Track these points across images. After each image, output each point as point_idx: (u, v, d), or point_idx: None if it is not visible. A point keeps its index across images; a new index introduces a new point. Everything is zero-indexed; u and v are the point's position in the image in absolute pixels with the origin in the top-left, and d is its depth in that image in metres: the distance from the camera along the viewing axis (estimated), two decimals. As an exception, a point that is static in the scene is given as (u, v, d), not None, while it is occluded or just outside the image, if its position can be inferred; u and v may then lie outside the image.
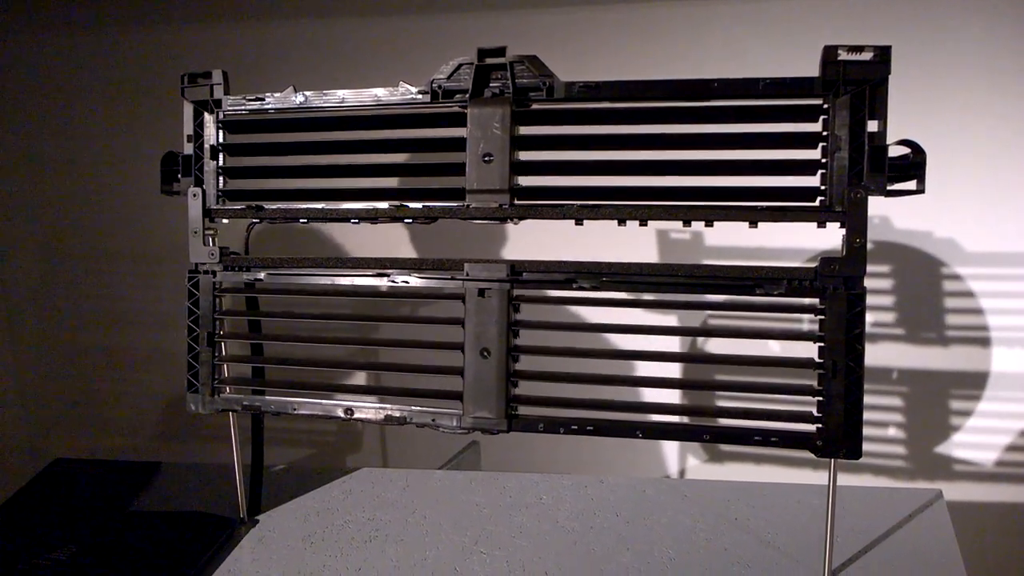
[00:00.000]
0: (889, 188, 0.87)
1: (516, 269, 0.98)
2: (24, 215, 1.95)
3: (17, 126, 1.90)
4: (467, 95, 0.97)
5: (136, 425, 2.02)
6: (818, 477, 1.43)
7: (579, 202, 0.95)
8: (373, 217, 1.03)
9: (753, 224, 0.92)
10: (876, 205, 0.89)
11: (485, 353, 0.98)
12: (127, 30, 1.82)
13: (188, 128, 1.08)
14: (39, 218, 1.95)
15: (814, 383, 0.90)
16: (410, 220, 1.02)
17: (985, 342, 1.59)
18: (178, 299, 1.11)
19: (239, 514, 1.17)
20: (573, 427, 0.97)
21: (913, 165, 0.87)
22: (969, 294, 1.58)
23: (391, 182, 1.05)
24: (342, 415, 1.05)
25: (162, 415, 2.00)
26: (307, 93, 1.04)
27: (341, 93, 1.03)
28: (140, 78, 1.83)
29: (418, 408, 1.03)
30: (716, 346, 1.59)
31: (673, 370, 1.51)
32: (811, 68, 0.89)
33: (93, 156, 1.89)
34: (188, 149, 1.08)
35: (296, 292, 1.08)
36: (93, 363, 1.99)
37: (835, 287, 0.89)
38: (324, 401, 1.06)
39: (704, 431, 0.94)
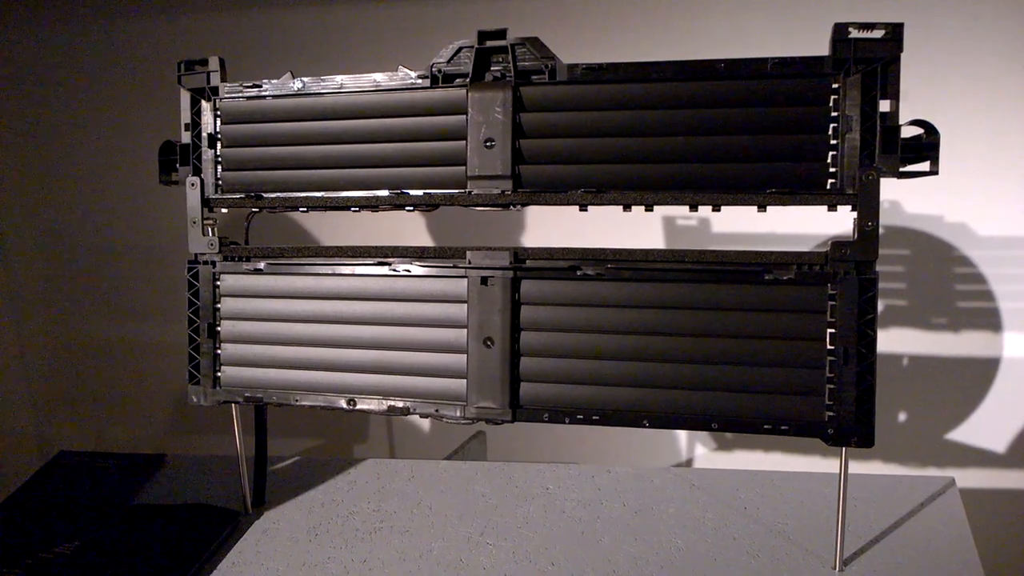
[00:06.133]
0: (902, 170, 0.85)
1: (519, 256, 0.96)
2: (27, 209, 1.94)
3: (17, 121, 1.89)
4: (468, 79, 0.95)
5: (141, 417, 2.02)
6: (828, 465, 1.42)
7: (583, 187, 0.93)
8: (374, 205, 1.01)
9: (762, 208, 0.90)
10: (886, 189, 0.87)
11: (488, 342, 0.97)
12: (125, 20, 1.80)
13: (185, 116, 1.07)
14: (42, 212, 1.94)
15: (825, 371, 0.88)
16: (411, 208, 1.00)
17: (996, 327, 1.57)
18: (180, 290, 1.10)
19: (243, 506, 1.16)
20: (579, 417, 0.96)
21: (926, 145, 0.85)
22: (981, 279, 1.56)
23: (391, 169, 1.03)
24: (344, 406, 1.04)
25: (167, 407, 2.00)
26: (305, 79, 1.02)
27: (340, 78, 1.01)
28: (140, 67, 1.81)
29: (422, 398, 1.01)
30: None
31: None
32: (819, 48, 0.86)
33: (94, 148, 1.88)
34: (185, 138, 1.07)
35: (293, 295, 1.06)
36: (98, 356, 1.99)
37: (846, 272, 0.87)
38: (327, 392, 1.05)
39: (712, 419, 0.92)
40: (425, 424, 1.92)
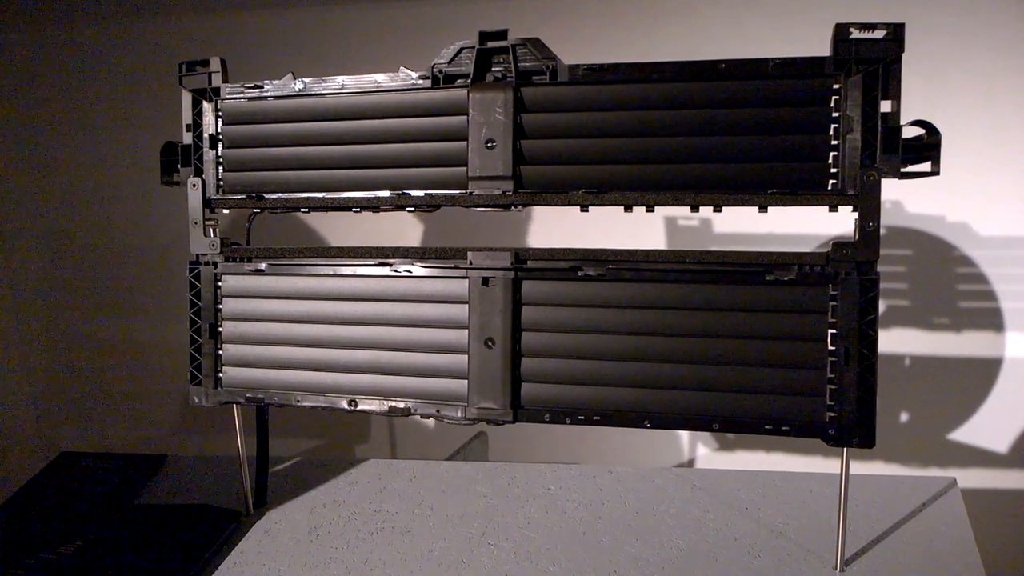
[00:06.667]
0: (903, 170, 0.85)
1: (520, 257, 0.96)
2: (28, 209, 1.94)
3: (19, 120, 1.89)
4: (469, 79, 0.95)
5: (143, 418, 2.02)
6: (829, 465, 1.42)
7: (584, 188, 0.93)
8: (375, 206, 1.01)
9: (763, 208, 0.90)
10: (887, 189, 0.87)
11: (489, 343, 0.97)
12: (126, 20, 1.80)
13: (187, 117, 1.07)
14: (44, 211, 1.94)
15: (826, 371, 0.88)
16: (412, 208, 1.00)
17: (999, 327, 1.57)
18: (182, 291, 1.10)
19: (245, 506, 1.16)
20: (580, 417, 0.96)
21: (928, 146, 0.85)
22: (982, 279, 1.56)
23: (392, 169, 1.03)
24: (346, 406, 1.04)
25: (169, 408, 2.00)
26: (306, 80, 1.02)
27: (341, 79, 1.01)
28: (141, 68, 1.81)
29: (423, 399, 1.01)
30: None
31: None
32: (819, 49, 0.86)
33: (96, 148, 1.88)
34: (187, 139, 1.07)
35: (295, 292, 1.06)
36: (100, 356, 1.99)
37: (848, 272, 0.87)
38: (328, 392, 1.05)
39: (713, 420, 0.92)
40: (427, 425, 1.92)
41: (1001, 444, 1.61)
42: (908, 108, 0.86)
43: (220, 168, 1.07)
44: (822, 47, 0.86)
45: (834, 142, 0.87)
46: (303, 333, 1.06)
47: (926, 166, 0.86)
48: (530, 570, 1.00)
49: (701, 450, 1.80)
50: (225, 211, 1.08)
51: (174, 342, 1.89)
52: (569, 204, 0.94)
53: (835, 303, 0.88)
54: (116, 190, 1.88)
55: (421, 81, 0.98)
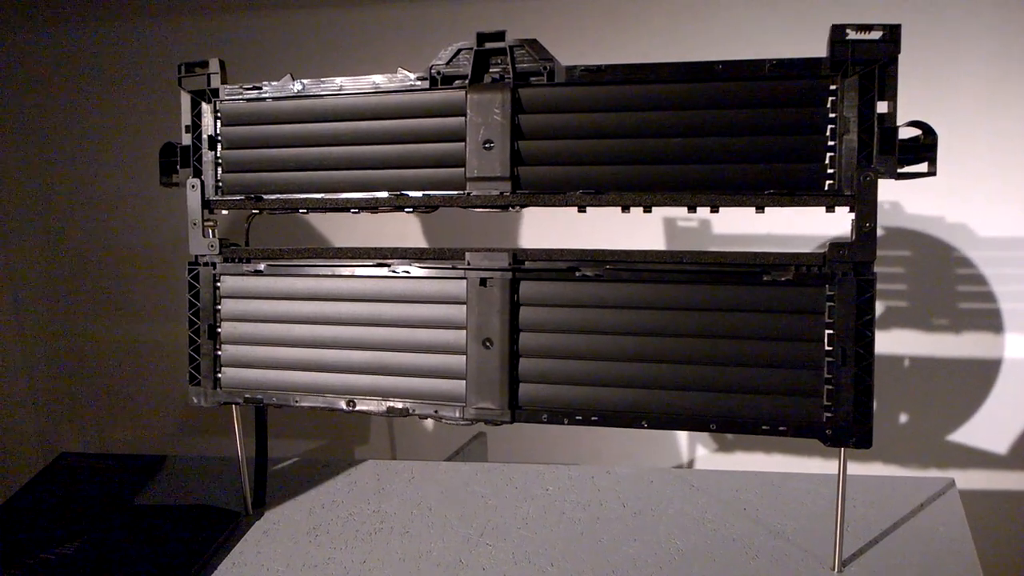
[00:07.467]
0: (899, 171, 0.85)
1: (518, 258, 0.96)
2: (29, 210, 1.95)
3: (17, 121, 1.90)
4: (467, 81, 0.95)
5: (143, 419, 2.02)
6: (828, 466, 1.42)
7: (582, 189, 0.93)
8: (373, 207, 1.01)
9: (760, 209, 0.90)
10: (886, 190, 0.87)
11: (487, 343, 0.97)
12: (126, 21, 1.81)
13: (186, 118, 1.07)
14: (44, 213, 1.94)
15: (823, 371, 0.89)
16: (410, 209, 1.00)
17: (998, 328, 1.57)
18: (181, 292, 1.10)
19: (244, 507, 1.16)
20: (578, 418, 0.96)
21: (924, 147, 0.85)
22: (981, 280, 1.56)
23: (391, 170, 1.03)
24: (344, 407, 1.04)
25: (168, 408, 2.01)
26: (305, 81, 1.02)
27: (339, 80, 1.01)
28: (141, 69, 1.81)
29: (421, 399, 1.02)
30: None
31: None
32: (816, 50, 0.87)
33: (95, 150, 1.88)
34: (186, 140, 1.07)
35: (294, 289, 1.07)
36: (99, 357, 1.99)
37: (844, 273, 0.87)
38: (326, 393, 1.05)
39: (711, 420, 0.92)
40: (427, 426, 1.92)
41: (1000, 445, 1.61)
42: (907, 109, 0.86)
43: (219, 169, 1.07)
44: (823, 47, 0.87)
45: (831, 143, 0.87)
46: (302, 334, 1.06)
47: (923, 167, 0.86)
48: (528, 570, 1.00)
49: (700, 451, 1.80)
50: (224, 212, 1.08)
51: (173, 343, 1.89)
52: (567, 205, 0.94)
53: (832, 304, 0.88)
54: (115, 191, 1.88)
55: (419, 82, 0.98)
